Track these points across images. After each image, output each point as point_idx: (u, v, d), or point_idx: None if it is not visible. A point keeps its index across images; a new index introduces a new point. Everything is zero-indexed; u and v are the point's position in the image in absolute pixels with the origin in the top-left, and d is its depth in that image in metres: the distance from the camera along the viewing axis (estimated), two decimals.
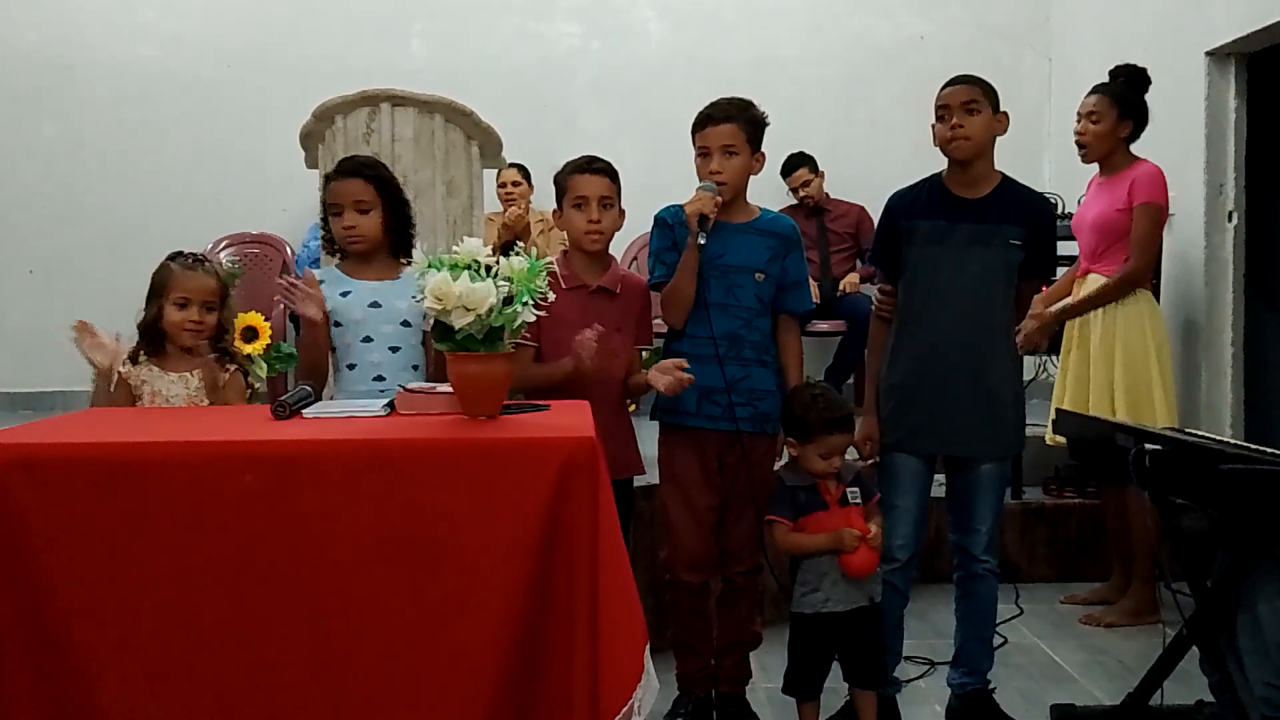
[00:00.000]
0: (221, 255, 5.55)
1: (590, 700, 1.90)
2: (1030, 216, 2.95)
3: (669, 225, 2.96)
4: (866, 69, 6.36)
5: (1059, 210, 4.76)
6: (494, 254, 2.13)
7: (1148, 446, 2.56)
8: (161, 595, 1.89)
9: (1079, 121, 3.91)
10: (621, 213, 2.98)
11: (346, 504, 1.92)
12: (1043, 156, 6.07)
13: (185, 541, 1.90)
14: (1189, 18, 4.71)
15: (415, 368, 2.88)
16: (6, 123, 6.04)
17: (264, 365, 3.38)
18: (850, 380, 5.49)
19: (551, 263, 2.22)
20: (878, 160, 5.75)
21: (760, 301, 2.94)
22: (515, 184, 5.75)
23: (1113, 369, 3.83)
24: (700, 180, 2.89)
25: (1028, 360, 4.07)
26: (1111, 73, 3.95)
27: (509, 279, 2.09)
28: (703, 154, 2.91)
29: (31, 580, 1.87)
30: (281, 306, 3.38)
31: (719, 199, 2.84)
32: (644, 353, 3.11)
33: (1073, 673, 3.50)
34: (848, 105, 6.34)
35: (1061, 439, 3.43)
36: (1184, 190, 3.93)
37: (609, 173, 2.95)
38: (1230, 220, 4.55)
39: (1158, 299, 4.01)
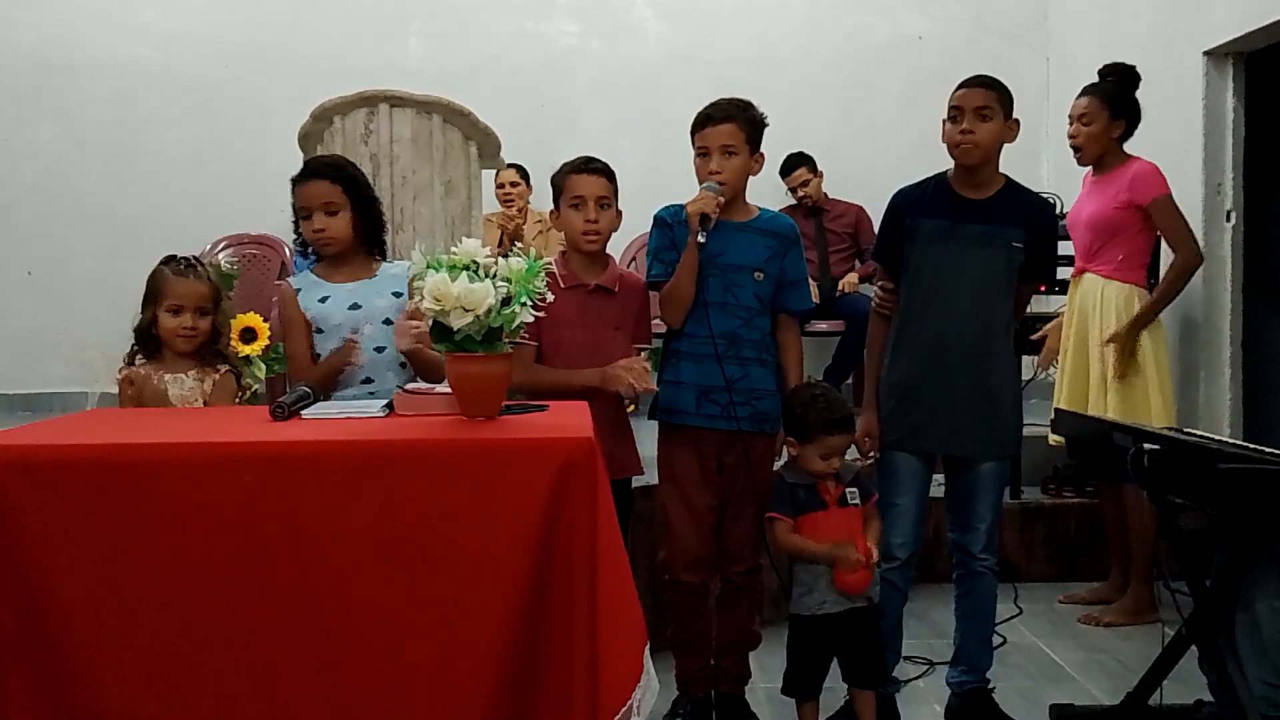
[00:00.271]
0: (220, 256, 5.54)
1: (589, 700, 1.90)
2: (1033, 220, 2.96)
3: (668, 225, 2.96)
4: (865, 68, 6.36)
5: (1058, 210, 4.78)
6: (493, 255, 2.13)
7: (1146, 446, 2.56)
8: (161, 597, 1.89)
9: (1071, 124, 3.91)
10: (619, 213, 2.98)
11: (345, 505, 1.92)
12: (1041, 156, 6.07)
13: (184, 543, 1.90)
14: (1187, 17, 4.72)
15: (403, 365, 2.87)
16: (5, 123, 6.05)
17: (262, 366, 3.38)
18: (849, 380, 5.50)
19: (549, 263, 2.22)
20: (876, 160, 5.75)
21: (759, 301, 2.94)
22: (513, 184, 5.74)
23: (1109, 367, 3.83)
24: (699, 180, 2.90)
25: (1026, 361, 4.08)
26: (1101, 72, 3.95)
27: (507, 279, 2.09)
28: (702, 154, 2.91)
29: (31, 582, 1.87)
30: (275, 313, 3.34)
31: (721, 199, 2.84)
32: (643, 352, 3.11)
33: (1071, 672, 3.50)
34: (846, 104, 6.34)
35: (1060, 438, 3.44)
36: (1182, 190, 3.93)
37: (606, 173, 2.95)
38: (1228, 220, 4.55)
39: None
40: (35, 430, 2.24)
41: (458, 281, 2.03)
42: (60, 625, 1.88)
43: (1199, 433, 3.11)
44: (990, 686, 3.09)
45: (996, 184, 2.96)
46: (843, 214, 5.84)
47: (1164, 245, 3.95)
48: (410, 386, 2.39)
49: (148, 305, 2.80)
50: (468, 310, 2.03)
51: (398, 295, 2.88)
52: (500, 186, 5.72)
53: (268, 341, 3.15)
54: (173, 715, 1.90)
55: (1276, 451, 2.43)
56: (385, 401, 2.32)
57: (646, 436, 3.09)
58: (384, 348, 2.85)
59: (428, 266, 2.07)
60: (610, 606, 1.93)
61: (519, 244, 5.31)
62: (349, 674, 1.92)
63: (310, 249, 2.95)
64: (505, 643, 1.94)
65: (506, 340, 2.13)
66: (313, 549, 1.91)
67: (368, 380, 2.82)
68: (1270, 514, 2.36)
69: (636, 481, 3.09)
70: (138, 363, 2.81)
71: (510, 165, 5.42)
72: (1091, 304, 3.90)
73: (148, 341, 2.80)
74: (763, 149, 2.95)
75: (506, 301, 2.08)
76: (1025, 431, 3.10)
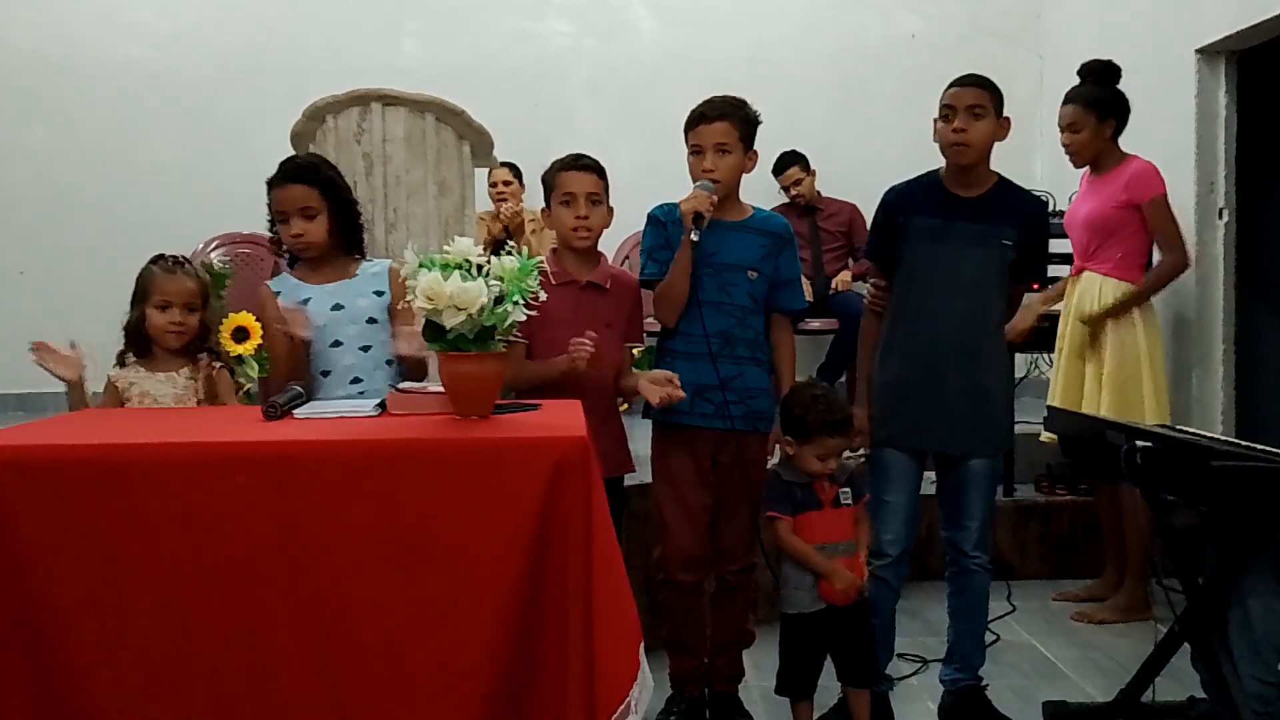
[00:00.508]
0: (213, 255, 5.53)
1: (586, 699, 1.90)
2: (1025, 219, 2.98)
3: (662, 223, 2.96)
4: (859, 67, 6.37)
5: (1050, 208, 4.79)
6: (485, 250, 2.13)
7: (1139, 443, 2.56)
8: (155, 596, 1.89)
9: (1062, 133, 3.92)
10: (610, 210, 2.98)
11: (339, 504, 1.92)
12: (1034, 155, 6.08)
13: (178, 542, 1.89)
14: (1180, 15, 4.72)
15: (389, 363, 2.86)
16: (1, 122, 6.02)
17: (255, 365, 3.37)
18: (843, 378, 5.49)
19: (542, 261, 2.22)
20: (870, 158, 5.75)
21: (753, 300, 2.95)
22: (507, 183, 5.75)
23: (1104, 365, 3.84)
24: (693, 178, 2.90)
25: (1019, 359, 4.09)
26: (1080, 74, 3.94)
27: (500, 278, 2.09)
28: (696, 152, 2.91)
29: (25, 583, 1.87)
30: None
31: (715, 197, 2.84)
32: (635, 350, 3.11)
33: (1065, 669, 3.51)
34: (840, 103, 6.35)
35: (1053, 436, 3.44)
36: (1175, 187, 3.94)
37: (596, 169, 2.94)
38: (1221, 217, 4.56)
39: None
40: (29, 430, 2.23)
41: (450, 280, 2.03)
42: (55, 625, 1.87)
43: (1191, 430, 3.11)
44: (983, 684, 3.10)
45: (989, 182, 2.97)
46: (836, 212, 5.85)
47: (1155, 244, 3.95)
48: (403, 385, 2.39)
49: (136, 303, 2.80)
50: (460, 309, 2.03)
51: (379, 294, 2.87)
52: (493, 185, 5.72)
53: (260, 341, 3.14)
54: (168, 715, 1.90)
55: (1269, 449, 2.43)
56: (378, 401, 2.32)
57: (640, 435, 3.09)
58: (369, 346, 2.85)
59: (420, 266, 2.06)
60: (606, 605, 1.93)
61: (511, 242, 5.30)
62: (344, 673, 1.92)
63: (286, 250, 2.93)
64: (500, 641, 1.94)
65: (499, 339, 2.13)
66: (307, 549, 1.91)
67: (356, 380, 2.82)
68: (1263, 511, 2.37)
69: (630, 480, 3.09)
70: (128, 363, 2.80)
71: (503, 164, 5.42)
72: (1089, 302, 3.91)
73: (137, 340, 2.80)
74: (757, 147, 2.95)
75: (499, 300, 2.08)
76: (1019, 429, 3.11)
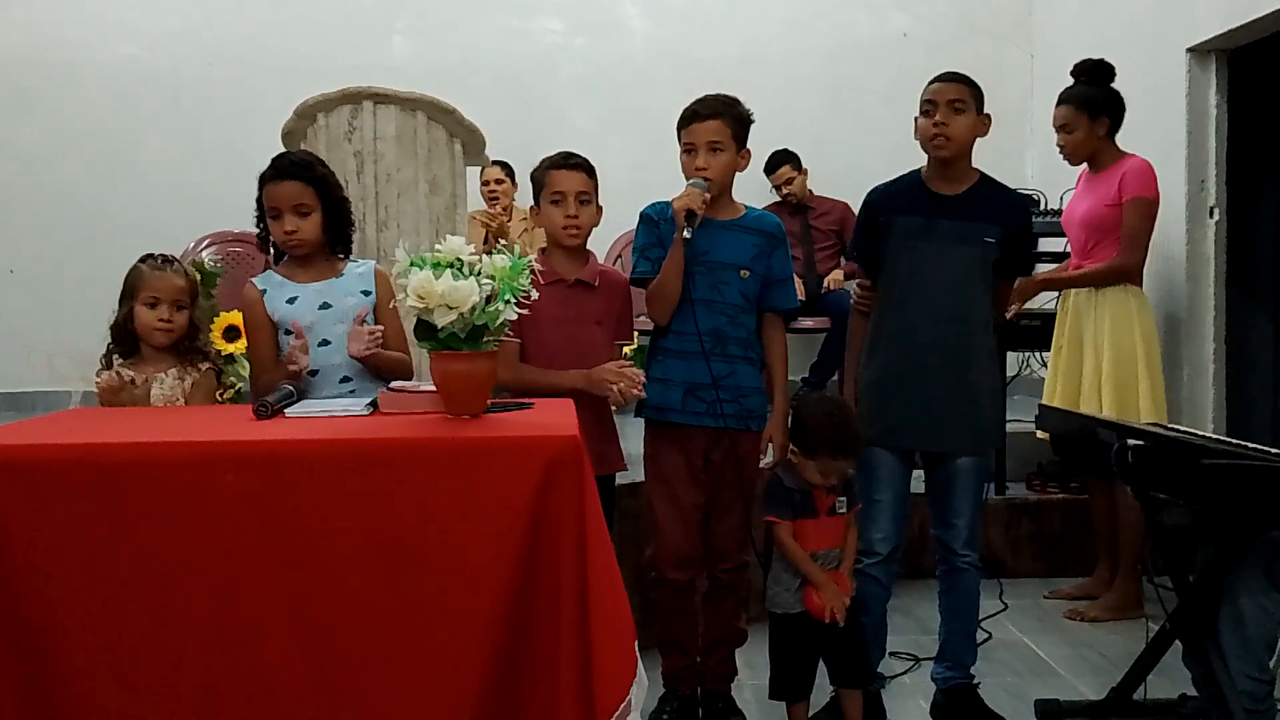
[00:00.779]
0: (204, 254, 5.51)
1: (582, 698, 1.90)
2: (1008, 217, 2.98)
3: (655, 221, 2.95)
4: (850, 65, 6.38)
5: (1042, 207, 4.80)
6: (478, 253, 2.12)
7: (1130, 442, 2.57)
8: (145, 596, 1.88)
9: (1057, 135, 3.92)
10: (599, 208, 2.98)
11: (330, 504, 1.91)
12: (1025, 153, 6.10)
13: (168, 542, 1.89)
14: (1170, 14, 4.74)
15: None
16: None
17: (245, 364, 3.36)
18: (835, 377, 5.50)
19: (533, 260, 2.22)
20: (862, 157, 5.73)
21: (745, 298, 2.94)
22: (498, 182, 5.73)
23: (1101, 364, 3.84)
24: (686, 176, 2.89)
25: (1011, 358, 4.08)
26: (1073, 73, 3.94)
27: (491, 277, 2.08)
28: (688, 150, 2.91)
29: (13, 583, 1.86)
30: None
31: (707, 195, 2.83)
32: (626, 349, 3.10)
33: (1057, 667, 3.51)
34: (832, 101, 6.35)
35: (1045, 434, 3.44)
36: (1166, 186, 3.94)
37: (585, 168, 2.94)
38: (1212, 216, 4.58)
39: None
40: (18, 429, 2.22)
41: (441, 279, 2.02)
42: (45, 624, 1.86)
43: (1182, 428, 3.12)
44: (975, 682, 3.10)
45: (970, 179, 2.98)
46: (828, 211, 5.85)
47: (1154, 244, 3.93)
48: (395, 385, 2.39)
49: (124, 301, 2.78)
50: (452, 308, 2.02)
51: (366, 293, 2.85)
52: (485, 184, 5.71)
53: None
54: (158, 714, 1.89)
55: (1260, 446, 2.44)
56: (370, 400, 2.31)
57: (632, 433, 3.09)
58: None
59: (411, 264, 2.06)
60: (602, 604, 1.92)
61: (503, 241, 5.29)
62: (336, 673, 1.92)
63: (273, 245, 2.91)
64: (492, 641, 1.93)
65: (491, 338, 2.12)
66: (298, 548, 1.91)
67: (346, 379, 2.80)
68: (1253, 509, 2.38)
69: (621, 478, 3.09)
70: (116, 363, 2.78)
71: (495, 163, 5.41)
72: (1085, 301, 3.91)
73: (125, 338, 2.79)
74: (749, 146, 2.95)
75: (491, 299, 2.07)
76: (1010, 427, 3.11)
